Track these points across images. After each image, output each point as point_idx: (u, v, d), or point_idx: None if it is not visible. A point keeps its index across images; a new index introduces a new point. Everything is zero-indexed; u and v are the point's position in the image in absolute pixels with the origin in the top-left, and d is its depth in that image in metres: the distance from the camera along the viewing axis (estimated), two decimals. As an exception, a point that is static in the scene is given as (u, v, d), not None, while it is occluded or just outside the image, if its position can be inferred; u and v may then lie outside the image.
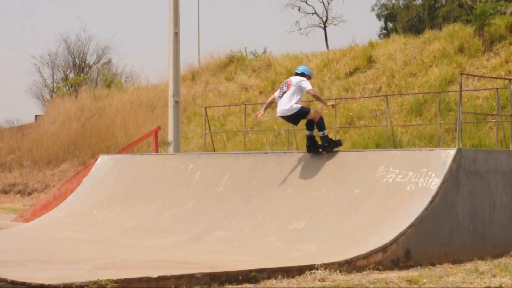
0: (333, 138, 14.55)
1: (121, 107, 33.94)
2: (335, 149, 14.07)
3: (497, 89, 17.88)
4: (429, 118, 22.37)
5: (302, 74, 14.10)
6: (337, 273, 10.34)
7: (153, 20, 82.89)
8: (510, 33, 24.12)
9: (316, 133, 14.20)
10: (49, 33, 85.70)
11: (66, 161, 33.32)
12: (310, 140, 14.21)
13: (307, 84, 13.87)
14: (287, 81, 14.14)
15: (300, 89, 13.88)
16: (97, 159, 18.67)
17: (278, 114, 14.29)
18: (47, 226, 16.29)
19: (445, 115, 21.51)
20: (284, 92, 13.96)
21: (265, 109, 14.84)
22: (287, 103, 13.83)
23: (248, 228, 13.40)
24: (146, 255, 11.95)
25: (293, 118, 14.02)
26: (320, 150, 14.11)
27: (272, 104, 14.82)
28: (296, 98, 13.82)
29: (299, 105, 13.86)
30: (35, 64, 56.40)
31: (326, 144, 14.06)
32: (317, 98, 14.33)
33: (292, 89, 13.86)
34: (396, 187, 12.48)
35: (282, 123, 25.72)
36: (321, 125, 14.02)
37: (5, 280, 8.77)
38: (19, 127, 39.89)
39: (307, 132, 14.23)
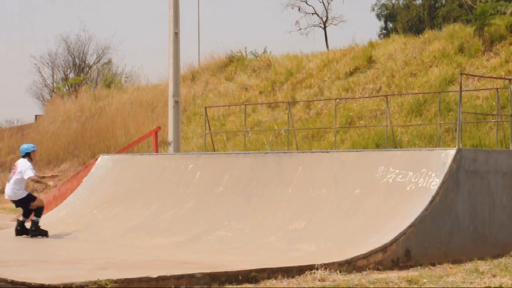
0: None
1: (121, 107, 33.95)
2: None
3: (497, 89, 17.87)
4: (429, 118, 22.37)
5: (27, 155, 15.21)
6: (337, 273, 10.34)
7: (153, 20, 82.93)
8: (510, 33, 24.12)
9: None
10: (49, 33, 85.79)
11: (66, 161, 33.33)
12: (21, 225, 15.27)
13: (27, 173, 14.89)
14: (14, 165, 15.37)
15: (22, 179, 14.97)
16: (97, 159, 18.67)
17: (5, 197, 15.58)
18: (47, 226, 16.27)
19: (445, 115, 21.51)
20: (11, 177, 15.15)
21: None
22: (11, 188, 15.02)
23: (248, 228, 13.40)
24: (146, 255, 11.95)
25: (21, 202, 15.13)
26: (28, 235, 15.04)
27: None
28: (21, 184, 15.02)
29: (25, 192, 15.11)
30: (35, 64, 56.41)
31: (33, 229, 14.97)
32: (37, 181, 15.51)
33: (17, 175, 14.96)
34: (396, 187, 12.47)
35: (282, 123, 25.74)
36: (39, 212, 15.08)
37: (5, 280, 8.77)
38: (19, 127, 39.91)
39: (22, 218, 15.33)
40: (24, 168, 14.95)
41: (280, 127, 25.53)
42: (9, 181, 15.16)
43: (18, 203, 15.19)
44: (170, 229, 14.32)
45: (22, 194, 15.04)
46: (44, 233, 14.96)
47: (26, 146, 15.34)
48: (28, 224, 15.24)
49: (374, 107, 24.13)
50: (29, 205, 15.08)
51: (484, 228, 12.85)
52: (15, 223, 15.86)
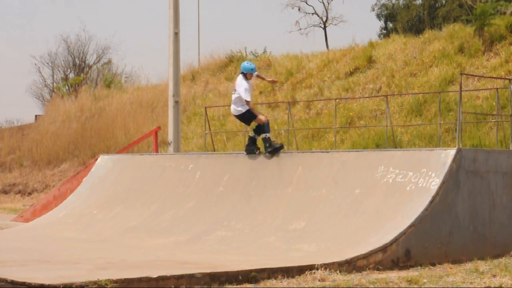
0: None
1: (121, 107, 33.94)
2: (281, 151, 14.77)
3: (497, 89, 17.87)
4: (429, 118, 22.37)
5: (243, 73, 14.99)
6: (337, 273, 10.34)
7: (153, 20, 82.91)
8: (510, 33, 24.12)
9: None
10: (49, 33, 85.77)
11: (66, 161, 33.32)
12: (251, 140, 15.17)
13: (243, 93, 14.74)
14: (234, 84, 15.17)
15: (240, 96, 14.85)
16: (97, 159, 18.67)
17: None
18: (47, 226, 16.29)
19: (445, 115, 21.51)
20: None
21: None
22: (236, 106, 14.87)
23: (248, 228, 13.40)
24: (146, 255, 11.95)
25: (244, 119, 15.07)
26: (257, 152, 15.09)
27: None
28: (241, 102, 14.81)
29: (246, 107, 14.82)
30: (35, 64, 56.39)
31: (267, 145, 14.83)
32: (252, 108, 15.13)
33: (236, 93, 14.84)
34: (396, 187, 12.47)
35: (282, 123, 25.75)
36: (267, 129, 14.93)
37: (5, 280, 8.77)
38: (19, 127, 39.90)
39: (252, 134, 15.22)
40: (240, 87, 14.75)
41: (280, 127, 25.52)
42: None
43: (240, 118, 15.12)
44: (170, 229, 14.32)
45: (243, 109, 14.83)
46: (281, 147, 14.86)
47: (247, 65, 15.01)
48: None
49: (374, 107, 24.13)
50: (251, 122, 15.09)
51: (484, 228, 12.85)
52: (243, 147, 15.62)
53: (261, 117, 14.96)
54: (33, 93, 53.53)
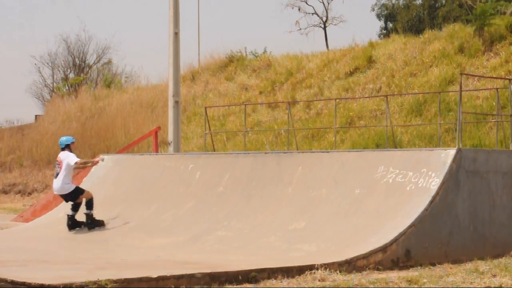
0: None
1: (121, 107, 33.94)
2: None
3: (497, 89, 17.87)
4: (429, 118, 22.37)
5: (67, 147, 15.44)
6: (337, 273, 10.34)
7: (153, 20, 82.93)
8: (510, 33, 24.12)
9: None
10: (49, 33, 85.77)
11: (66, 161, 33.29)
12: (72, 219, 15.52)
13: (73, 159, 15.27)
14: (57, 160, 15.39)
15: (69, 166, 15.28)
16: (97, 159, 18.65)
17: (55, 193, 15.70)
18: (47, 226, 16.29)
19: (445, 115, 21.51)
20: (58, 172, 15.32)
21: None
22: (62, 183, 15.24)
23: (248, 228, 13.40)
24: (146, 255, 11.95)
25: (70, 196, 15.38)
26: (82, 227, 15.45)
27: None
28: (68, 177, 15.32)
29: (73, 186, 15.40)
30: (35, 64, 56.36)
31: (89, 221, 15.33)
32: (83, 164, 15.97)
33: (63, 167, 15.24)
34: (396, 187, 12.47)
35: (282, 123, 25.75)
36: (90, 205, 15.39)
37: (5, 280, 8.77)
38: (19, 127, 39.88)
39: (71, 213, 15.51)
40: (68, 157, 15.24)
41: (280, 127, 25.52)
42: (56, 176, 15.32)
43: (67, 197, 15.40)
44: (170, 229, 14.32)
45: (71, 187, 15.28)
46: (101, 223, 15.29)
47: (65, 138, 15.65)
48: (78, 217, 15.50)
49: (374, 107, 24.13)
50: (77, 198, 15.32)
51: (484, 228, 12.85)
52: (63, 218, 15.83)
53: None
54: (33, 93, 53.56)
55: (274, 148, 24.57)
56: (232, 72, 32.55)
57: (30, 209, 21.55)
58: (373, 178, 12.85)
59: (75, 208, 15.46)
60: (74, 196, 15.34)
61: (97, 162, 16.20)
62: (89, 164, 16.34)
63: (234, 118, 28.45)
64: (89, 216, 15.32)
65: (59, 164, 15.32)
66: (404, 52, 26.42)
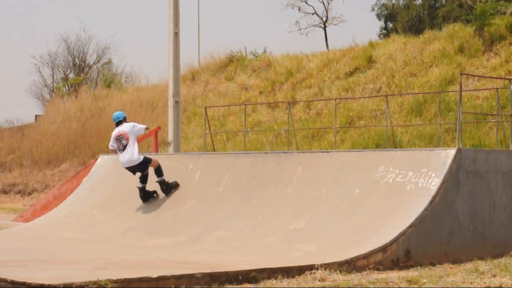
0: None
1: (121, 107, 33.92)
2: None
3: (497, 89, 17.86)
4: (429, 118, 22.37)
5: (124, 119, 15.56)
6: (337, 273, 10.34)
7: (153, 20, 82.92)
8: (510, 33, 24.11)
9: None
10: (49, 33, 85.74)
11: (66, 161, 33.33)
12: (143, 191, 15.61)
13: (141, 126, 15.60)
14: (121, 134, 15.32)
15: (138, 135, 15.67)
16: (97, 159, 18.67)
17: (124, 166, 15.54)
18: (47, 226, 16.28)
19: (445, 115, 21.50)
20: (125, 145, 15.28)
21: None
22: (132, 154, 15.25)
23: (248, 228, 13.40)
24: (146, 255, 11.95)
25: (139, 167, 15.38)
26: (155, 195, 15.67)
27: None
28: (137, 147, 15.42)
29: (142, 156, 15.48)
30: (35, 64, 56.30)
31: (164, 188, 15.48)
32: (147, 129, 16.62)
33: (131, 139, 15.29)
34: (396, 187, 12.47)
35: (282, 123, 25.75)
36: (160, 171, 15.50)
37: (5, 280, 8.77)
38: (19, 127, 39.89)
39: (140, 185, 15.58)
40: (135, 126, 15.39)
41: (280, 127, 25.52)
42: (123, 150, 15.28)
43: (136, 168, 15.37)
44: (170, 229, 14.32)
45: (140, 158, 15.30)
46: (175, 184, 15.53)
47: (119, 112, 15.71)
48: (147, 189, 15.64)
49: (374, 107, 24.13)
50: (146, 168, 15.38)
51: (484, 228, 12.85)
52: (137, 191, 15.73)
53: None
54: (33, 93, 53.55)
55: (274, 148, 24.56)
56: (232, 72, 32.55)
57: (30, 209, 21.56)
58: (373, 178, 12.85)
59: (144, 179, 15.48)
60: (143, 166, 15.33)
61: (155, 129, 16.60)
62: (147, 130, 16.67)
63: (234, 118, 28.44)
64: (162, 183, 15.40)
65: (123, 137, 15.24)
66: (404, 52, 26.41)
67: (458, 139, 13.51)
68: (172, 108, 20.87)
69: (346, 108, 24.70)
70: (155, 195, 15.60)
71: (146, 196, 15.56)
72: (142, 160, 15.27)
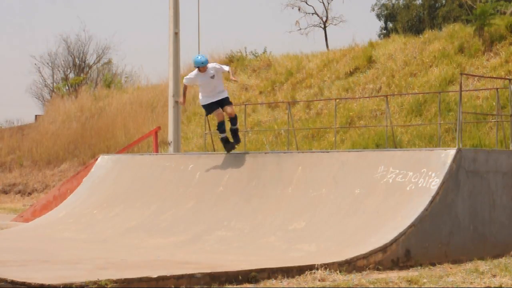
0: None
1: (121, 107, 33.94)
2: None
3: (497, 89, 17.86)
4: (429, 118, 22.37)
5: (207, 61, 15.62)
6: (337, 273, 10.34)
7: (153, 20, 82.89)
8: (510, 33, 24.12)
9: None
10: (49, 33, 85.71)
11: (66, 161, 33.33)
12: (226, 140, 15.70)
13: (224, 66, 15.67)
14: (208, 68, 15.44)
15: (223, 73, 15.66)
16: (97, 159, 18.66)
17: (215, 99, 15.41)
18: (47, 226, 16.28)
19: (445, 115, 21.51)
20: (211, 77, 15.33)
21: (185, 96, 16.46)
22: (222, 89, 15.46)
23: (248, 228, 13.40)
24: (146, 255, 11.95)
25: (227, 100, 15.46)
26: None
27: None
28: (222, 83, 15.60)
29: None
30: (35, 64, 56.27)
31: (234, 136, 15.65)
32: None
33: (218, 75, 15.43)
34: (396, 187, 12.47)
35: (282, 123, 25.74)
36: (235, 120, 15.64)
37: (5, 280, 8.77)
38: (19, 127, 39.88)
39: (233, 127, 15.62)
40: (217, 65, 15.60)
41: (280, 127, 25.52)
42: (208, 85, 15.38)
43: (225, 101, 15.42)
44: (170, 229, 14.32)
45: (226, 93, 15.55)
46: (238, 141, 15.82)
47: (200, 58, 15.74)
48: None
49: (374, 107, 24.13)
50: (231, 102, 15.48)
51: (484, 228, 12.85)
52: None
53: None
54: (33, 93, 53.54)
55: (274, 148, 24.56)
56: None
57: (30, 209, 21.56)
58: (373, 178, 12.85)
59: (234, 122, 15.59)
60: (228, 100, 15.46)
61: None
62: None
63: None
64: (235, 131, 15.61)
65: (211, 74, 15.42)
66: (404, 52, 26.42)
67: (458, 139, 13.51)
68: (172, 108, 20.87)
69: (346, 108, 24.70)
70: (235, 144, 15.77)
71: (231, 145, 15.66)
72: (228, 96, 15.55)
